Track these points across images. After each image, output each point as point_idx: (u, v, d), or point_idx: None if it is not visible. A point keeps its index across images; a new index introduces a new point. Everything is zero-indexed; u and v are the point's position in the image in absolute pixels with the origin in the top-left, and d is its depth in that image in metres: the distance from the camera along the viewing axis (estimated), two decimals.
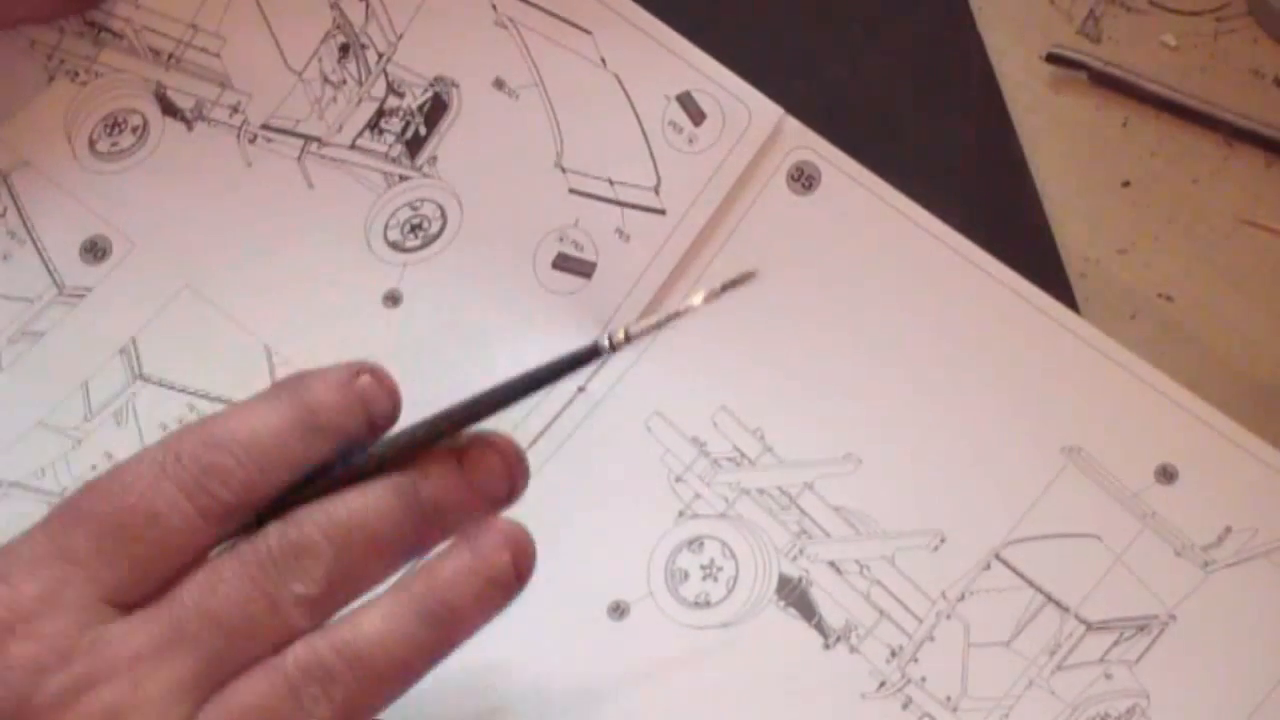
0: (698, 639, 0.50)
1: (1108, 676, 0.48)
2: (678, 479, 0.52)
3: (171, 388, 0.56)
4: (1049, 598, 0.49)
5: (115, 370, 0.57)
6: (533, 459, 0.51)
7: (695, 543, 0.51)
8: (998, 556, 0.50)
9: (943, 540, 0.50)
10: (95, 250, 0.58)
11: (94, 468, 0.54)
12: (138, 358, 0.57)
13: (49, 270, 0.58)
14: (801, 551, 0.51)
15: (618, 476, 0.53)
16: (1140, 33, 0.56)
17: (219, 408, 0.53)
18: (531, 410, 0.54)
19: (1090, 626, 0.49)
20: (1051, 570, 0.50)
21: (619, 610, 0.51)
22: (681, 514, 0.52)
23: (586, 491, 0.53)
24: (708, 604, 0.50)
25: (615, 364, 0.55)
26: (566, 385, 0.54)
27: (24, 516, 0.51)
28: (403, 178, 0.58)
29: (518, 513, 0.50)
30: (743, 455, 0.52)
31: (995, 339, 0.53)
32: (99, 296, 0.58)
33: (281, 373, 0.56)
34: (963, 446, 0.52)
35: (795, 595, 0.50)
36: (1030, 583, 0.50)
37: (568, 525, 0.52)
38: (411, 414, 0.52)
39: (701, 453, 0.52)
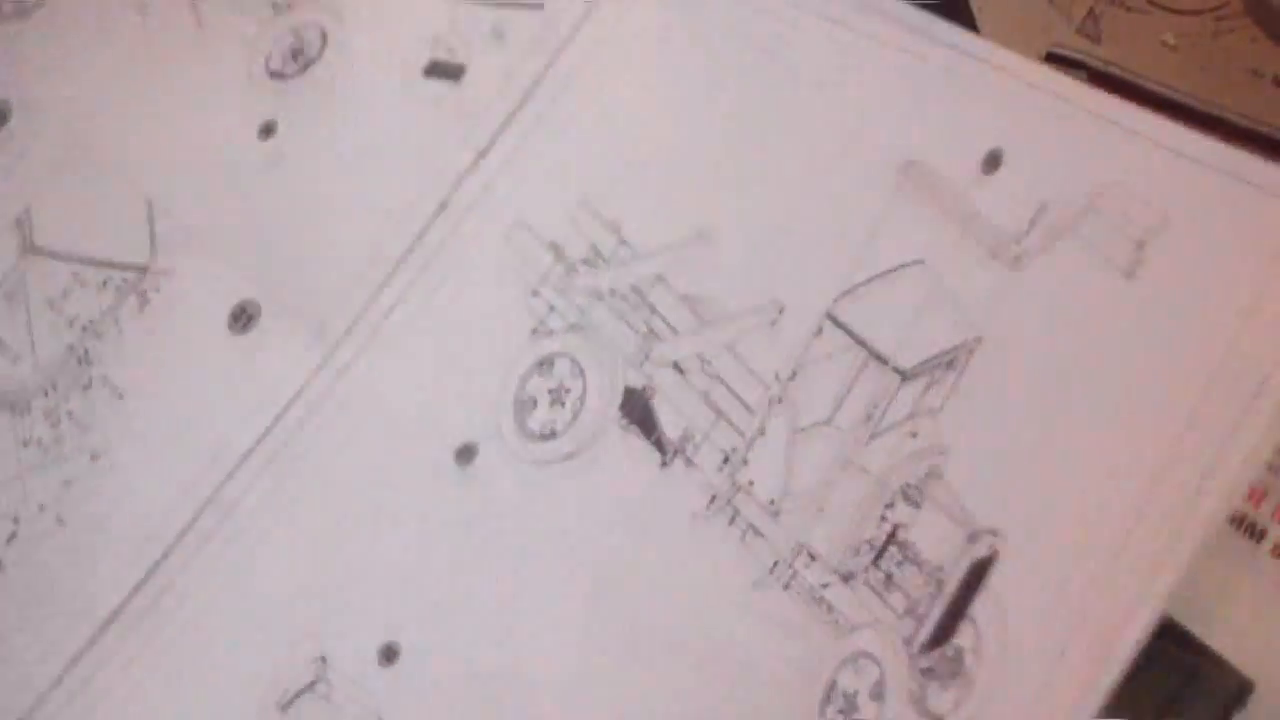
0: (542, 477, 0.52)
1: (913, 435, 0.48)
2: (534, 293, 0.54)
3: (57, 257, 0.60)
4: (872, 352, 0.49)
5: (9, 245, 0.61)
6: (393, 292, 0.54)
7: (545, 363, 0.53)
8: (829, 316, 0.50)
9: (781, 310, 0.51)
10: None
11: None
12: (31, 229, 0.61)
13: None
14: (648, 356, 0.52)
15: (475, 300, 0.55)
16: (1140, 33, 0.58)
17: (100, 273, 0.58)
18: (394, 231, 0.56)
19: (905, 375, 0.49)
20: (875, 317, 0.50)
21: (467, 454, 0.53)
22: (535, 331, 0.54)
23: (444, 321, 0.55)
24: (553, 434, 0.52)
25: (481, 173, 0.56)
26: (426, 203, 0.56)
27: None
28: (290, 5, 0.60)
29: (375, 346, 0.54)
30: (598, 254, 0.53)
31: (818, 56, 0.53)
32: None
33: (160, 225, 0.59)
34: (800, 192, 0.52)
35: (638, 410, 0.52)
36: (856, 338, 0.50)
37: (423, 361, 0.55)
38: (281, 249, 0.56)
39: (558, 259, 0.54)
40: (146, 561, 0.54)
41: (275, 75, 0.60)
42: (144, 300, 0.59)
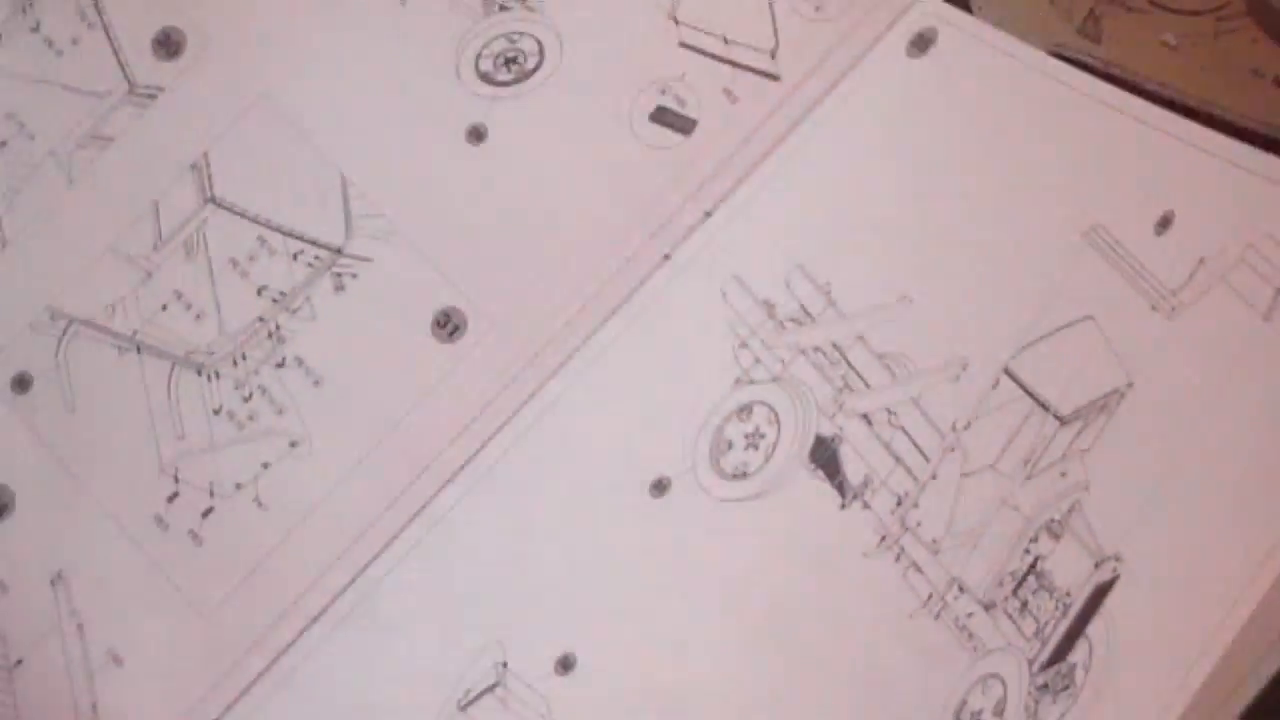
0: (729, 513, 0.57)
1: (1063, 475, 0.54)
2: (742, 345, 0.58)
3: (244, 216, 0.61)
4: (1039, 403, 0.55)
5: (186, 189, 0.63)
6: (610, 332, 0.59)
7: (745, 410, 0.58)
8: (1007, 370, 0.55)
9: (965, 367, 0.56)
10: (168, 44, 0.64)
11: (164, 308, 0.61)
12: (209, 176, 0.62)
13: (119, 62, 0.64)
14: (840, 408, 0.57)
15: (685, 346, 0.59)
16: (1141, 33, 0.59)
17: (289, 244, 0.59)
18: (615, 274, 0.59)
19: (1063, 421, 0.54)
20: (1046, 371, 0.55)
21: (661, 486, 0.58)
22: (738, 381, 0.58)
23: (655, 362, 0.59)
24: (744, 475, 0.57)
25: (706, 231, 0.60)
26: (650, 252, 0.60)
27: (97, 364, 0.58)
28: (503, 7, 0.62)
29: (587, 380, 0.59)
30: (807, 314, 0.58)
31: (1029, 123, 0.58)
32: (171, 99, 0.64)
33: (356, 206, 0.60)
34: (993, 256, 0.57)
35: (825, 456, 0.57)
36: (1028, 390, 0.55)
37: (630, 398, 0.59)
38: (489, 262, 0.60)
39: (769, 315, 0.59)
40: (353, 564, 0.58)
41: (485, 78, 0.62)
42: (339, 284, 0.61)
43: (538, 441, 0.59)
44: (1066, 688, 0.51)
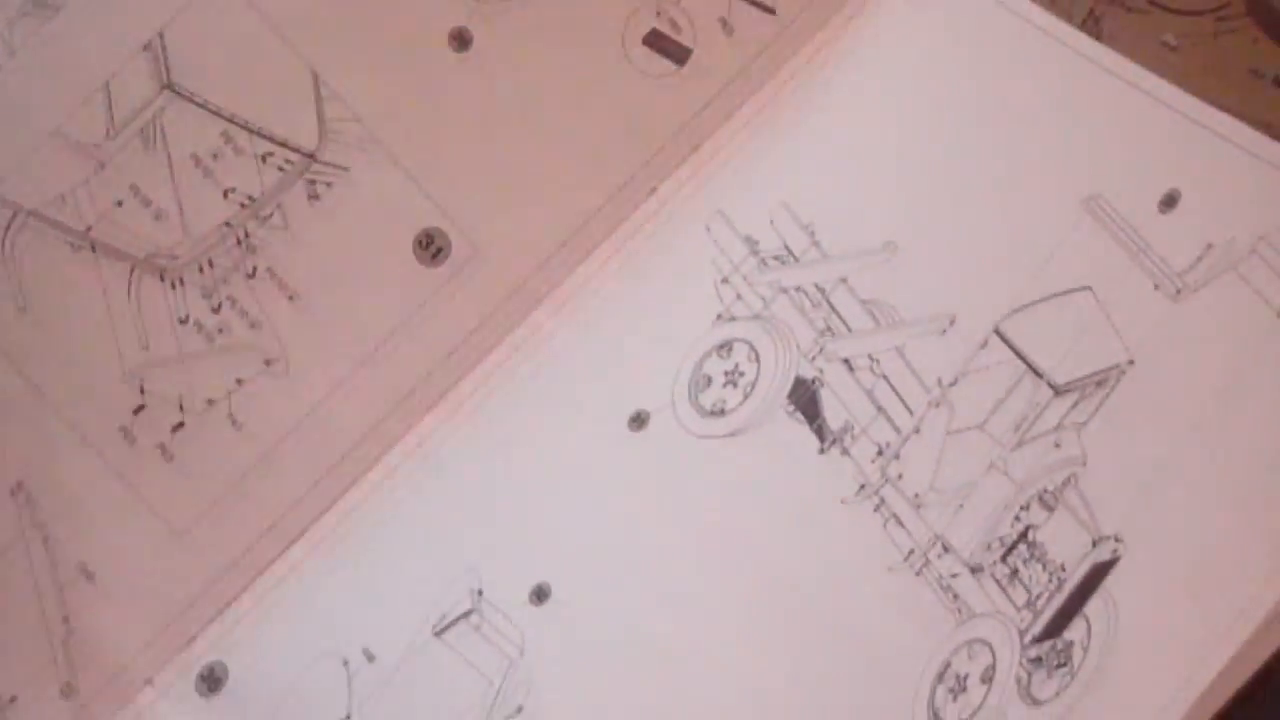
0: (706, 450, 0.59)
1: (1056, 445, 0.56)
2: (723, 280, 0.60)
3: (205, 107, 0.59)
4: (1031, 367, 0.57)
5: (140, 71, 0.59)
6: (594, 265, 0.60)
7: (725, 347, 0.59)
8: (997, 331, 0.57)
9: (952, 321, 0.58)
10: None
11: (119, 204, 0.58)
12: (165, 59, 0.59)
13: None
14: (821, 350, 0.59)
15: (668, 280, 0.60)
16: (1140, 33, 0.60)
17: (256, 144, 0.58)
18: (596, 213, 0.59)
19: (1057, 390, 0.57)
20: (1039, 335, 0.57)
21: (639, 420, 0.59)
22: (719, 317, 0.60)
23: (637, 299, 0.60)
24: (722, 412, 0.59)
25: (694, 164, 0.60)
26: (638, 186, 0.60)
27: (49, 260, 0.56)
28: None
29: (570, 311, 0.59)
30: (790, 253, 0.59)
31: (1034, 91, 0.59)
32: None
33: (330, 109, 0.59)
34: (988, 215, 0.59)
35: (805, 398, 0.59)
36: (1018, 353, 0.57)
37: (612, 331, 0.60)
38: (473, 183, 0.59)
39: (752, 252, 0.60)
40: (331, 488, 0.59)
41: None
42: (313, 193, 0.59)
43: (519, 371, 0.60)
44: (1062, 665, 0.54)
